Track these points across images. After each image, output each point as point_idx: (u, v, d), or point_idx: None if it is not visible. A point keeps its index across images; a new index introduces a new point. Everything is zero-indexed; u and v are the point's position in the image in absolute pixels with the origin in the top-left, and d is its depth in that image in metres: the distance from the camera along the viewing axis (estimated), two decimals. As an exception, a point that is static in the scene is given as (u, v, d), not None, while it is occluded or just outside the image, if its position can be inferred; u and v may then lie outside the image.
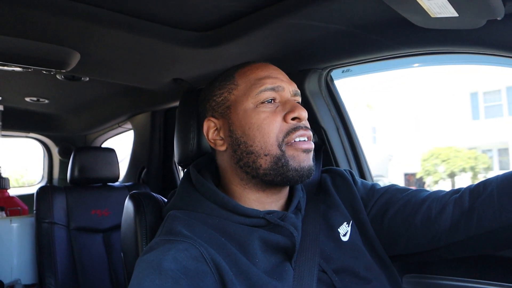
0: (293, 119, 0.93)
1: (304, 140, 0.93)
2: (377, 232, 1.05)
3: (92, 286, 2.23)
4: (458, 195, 0.99)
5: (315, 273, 0.90)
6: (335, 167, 1.17)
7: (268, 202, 0.97)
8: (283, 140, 0.92)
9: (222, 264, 0.82)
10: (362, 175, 1.66)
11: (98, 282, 2.24)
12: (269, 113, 0.93)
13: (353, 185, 1.10)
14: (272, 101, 0.95)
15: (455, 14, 0.89)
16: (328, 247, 0.97)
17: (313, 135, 0.99)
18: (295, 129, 0.92)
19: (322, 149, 1.56)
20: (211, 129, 1.00)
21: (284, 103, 0.95)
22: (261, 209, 0.94)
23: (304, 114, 0.93)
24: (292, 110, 0.93)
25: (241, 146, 0.94)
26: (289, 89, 0.98)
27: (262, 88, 0.94)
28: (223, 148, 0.99)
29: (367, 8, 1.10)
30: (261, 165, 0.93)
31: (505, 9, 0.89)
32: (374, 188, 1.11)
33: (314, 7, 1.11)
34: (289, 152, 0.92)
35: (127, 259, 1.15)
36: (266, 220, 0.91)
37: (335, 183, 1.11)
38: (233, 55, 1.49)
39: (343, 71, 1.63)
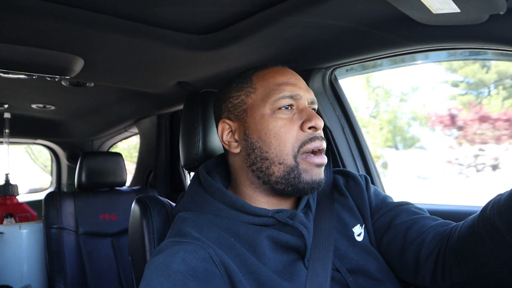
0: (309, 128, 0.92)
1: (318, 152, 0.92)
2: (377, 246, 1.03)
3: (102, 290, 2.25)
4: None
5: (329, 272, 0.89)
6: (349, 170, 1.15)
7: (278, 204, 0.97)
8: (298, 150, 0.91)
9: (231, 265, 0.82)
10: (369, 173, 1.65)
11: (108, 286, 2.25)
12: (286, 121, 0.92)
13: (365, 191, 1.08)
14: (290, 108, 0.93)
15: (457, 10, 0.88)
16: (342, 245, 0.96)
17: None
18: (311, 139, 0.92)
19: (328, 148, 1.56)
20: (225, 131, 1.00)
21: (300, 111, 0.94)
22: (270, 209, 0.93)
23: (320, 123, 0.92)
24: (309, 119, 0.92)
25: (255, 151, 0.94)
26: (307, 97, 0.96)
27: (281, 95, 0.93)
28: (237, 150, 0.98)
29: (370, 6, 1.10)
30: (274, 172, 0.92)
31: (507, 3, 0.88)
32: (385, 200, 1.08)
33: (316, 6, 1.10)
34: (303, 165, 0.91)
35: (135, 263, 1.15)
36: (275, 219, 0.91)
37: (348, 185, 1.10)
38: (236, 56, 1.49)
39: (347, 70, 1.63)
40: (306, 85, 0.99)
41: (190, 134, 1.16)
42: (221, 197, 0.94)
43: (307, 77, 1.57)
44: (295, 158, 0.91)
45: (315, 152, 0.92)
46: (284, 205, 0.97)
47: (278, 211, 0.92)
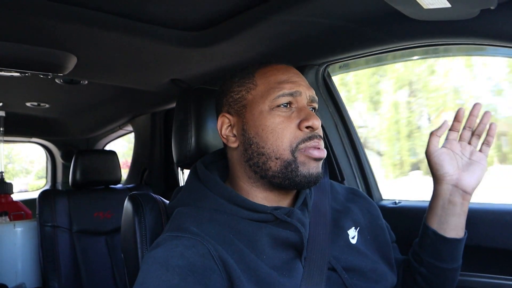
0: (307, 127, 0.92)
1: (317, 148, 0.93)
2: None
3: (96, 288, 2.24)
4: None
5: (325, 271, 0.90)
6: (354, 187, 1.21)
7: (276, 200, 0.97)
8: (297, 146, 0.91)
9: (229, 261, 0.82)
10: (363, 170, 1.65)
11: (102, 284, 2.25)
12: (284, 118, 0.93)
13: (375, 205, 1.15)
14: (288, 106, 0.94)
15: (448, 5, 0.88)
16: (338, 246, 0.97)
17: None
18: (310, 137, 0.92)
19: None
20: (224, 125, 1.00)
21: (299, 109, 0.94)
22: (268, 205, 0.94)
23: (317, 123, 0.93)
24: (306, 119, 0.92)
25: (252, 146, 0.94)
26: (307, 94, 0.96)
27: (281, 93, 0.93)
28: (234, 145, 0.98)
29: (362, 2, 1.10)
30: (270, 167, 0.92)
31: (498, -2, 0.88)
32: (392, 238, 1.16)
33: (307, 3, 1.10)
34: (301, 159, 0.91)
35: (127, 259, 1.15)
36: (273, 216, 0.91)
37: (347, 195, 1.14)
38: (230, 53, 1.49)
39: (340, 67, 1.63)
40: (307, 83, 1.00)
41: (182, 130, 1.16)
42: (220, 191, 0.94)
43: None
44: (293, 153, 0.91)
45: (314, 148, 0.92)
46: (282, 201, 0.98)
47: (276, 208, 0.92)
